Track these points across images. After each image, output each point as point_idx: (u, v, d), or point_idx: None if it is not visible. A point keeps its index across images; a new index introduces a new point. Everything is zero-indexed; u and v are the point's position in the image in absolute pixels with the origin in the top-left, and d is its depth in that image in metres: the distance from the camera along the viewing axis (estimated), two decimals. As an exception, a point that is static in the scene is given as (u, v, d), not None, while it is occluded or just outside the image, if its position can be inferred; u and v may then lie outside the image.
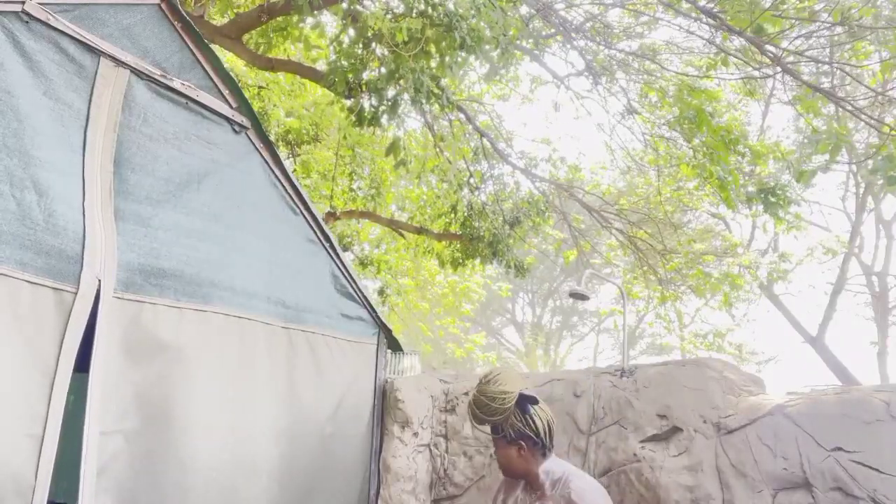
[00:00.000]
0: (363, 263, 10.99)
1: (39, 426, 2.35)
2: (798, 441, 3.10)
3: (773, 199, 7.25)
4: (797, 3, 6.67)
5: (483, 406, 2.16)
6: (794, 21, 6.24)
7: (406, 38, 4.70)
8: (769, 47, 5.47)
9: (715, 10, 5.68)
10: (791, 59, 5.85)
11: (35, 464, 2.32)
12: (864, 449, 2.91)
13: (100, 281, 2.64)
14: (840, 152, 4.04)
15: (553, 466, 2.16)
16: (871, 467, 2.87)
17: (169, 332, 2.94)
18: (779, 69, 5.50)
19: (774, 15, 5.64)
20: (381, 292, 11.09)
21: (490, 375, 2.23)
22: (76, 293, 2.54)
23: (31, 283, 2.42)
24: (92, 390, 2.56)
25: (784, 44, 6.02)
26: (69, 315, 2.50)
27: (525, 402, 2.17)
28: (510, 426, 2.16)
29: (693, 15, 6.14)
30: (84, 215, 2.65)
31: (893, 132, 4.88)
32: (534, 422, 2.16)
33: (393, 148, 6.01)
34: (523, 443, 2.15)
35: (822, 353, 14.47)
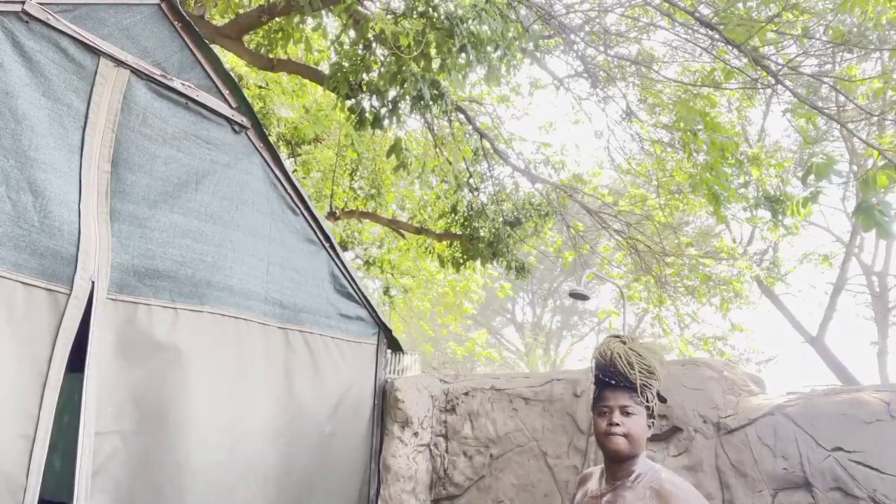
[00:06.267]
0: (367, 263, 11.01)
1: (31, 426, 2.35)
2: (798, 441, 3.10)
3: (777, 207, 7.30)
4: (792, 17, 6.70)
5: (652, 363, 1.88)
6: (790, 37, 6.27)
7: (410, 42, 4.71)
8: (765, 61, 5.49)
9: (714, 21, 5.69)
10: (786, 71, 5.87)
11: (27, 464, 2.32)
12: (864, 449, 2.90)
13: (93, 282, 2.64)
14: (830, 174, 4.08)
15: (646, 459, 1.93)
16: (871, 467, 2.87)
17: (164, 333, 2.93)
18: (775, 83, 5.52)
19: (772, 31, 5.67)
20: (385, 291, 11.12)
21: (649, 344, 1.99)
22: (69, 294, 2.54)
23: (26, 284, 2.42)
24: (87, 391, 2.57)
25: (780, 59, 6.04)
26: (62, 316, 2.50)
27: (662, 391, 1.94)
28: (657, 398, 1.90)
29: (691, 25, 6.15)
30: (79, 216, 2.65)
31: (880, 155, 4.89)
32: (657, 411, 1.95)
33: (395, 149, 6.01)
34: (652, 421, 1.92)
35: (822, 353, 14.45)
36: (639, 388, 1.87)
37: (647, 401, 1.89)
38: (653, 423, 1.91)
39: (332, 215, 9.39)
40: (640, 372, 1.86)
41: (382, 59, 5.27)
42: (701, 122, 6.30)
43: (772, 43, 6.21)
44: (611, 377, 1.89)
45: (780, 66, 5.62)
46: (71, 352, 2.53)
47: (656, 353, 1.91)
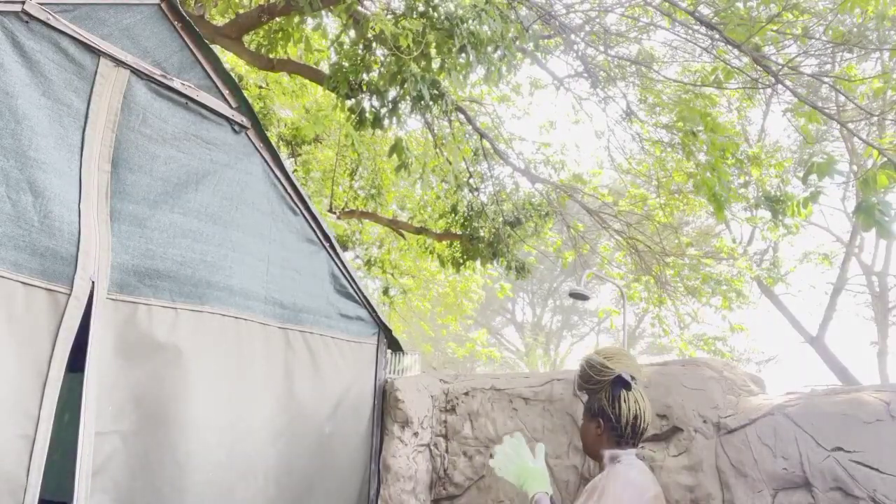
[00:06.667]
0: (367, 263, 11.03)
1: (31, 426, 2.35)
2: (798, 441, 3.10)
3: (777, 207, 7.33)
4: (792, 17, 6.71)
5: (583, 372, 2.16)
6: (791, 36, 6.28)
7: (409, 43, 4.72)
8: (765, 60, 5.50)
9: (714, 20, 5.70)
10: (786, 71, 5.88)
11: (27, 464, 2.31)
12: (864, 449, 2.90)
13: (93, 282, 2.64)
14: (832, 172, 4.10)
15: (623, 455, 2.08)
16: (871, 467, 2.87)
17: (164, 333, 2.93)
18: (775, 83, 5.53)
19: (772, 31, 5.68)
20: (385, 291, 11.13)
21: (605, 348, 2.22)
22: (69, 294, 2.54)
23: (26, 284, 2.42)
24: (87, 391, 2.56)
25: (780, 59, 6.05)
26: (62, 316, 2.50)
27: (618, 384, 2.09)
28: (596, 400, 2.14)
29: (691, 25, 6.15)
30: (79, 216, 2.65)
31: (880, 155, 4.90)
32: (619, 406, 2.09)
33: (396, 149, 6.02)
34: (601, 421, 2.11)
35: (822, 353, 14.46)
36: (578, 396, 2.17)
37: (589, 403, 2.17)
38: (599, 422, 2.13)
39: (331, 214, 9.39)
40: (581, 382, 2.18)
41: (382, 59, 5.28)
42: (701, 123, 6.31)
43: (772, 43, 6.22)
44: (575, 388, 2.30)
45: (780, 66, 5.63)
46: (71, 352, 2.53)
47: (599, 364, 2.13)
